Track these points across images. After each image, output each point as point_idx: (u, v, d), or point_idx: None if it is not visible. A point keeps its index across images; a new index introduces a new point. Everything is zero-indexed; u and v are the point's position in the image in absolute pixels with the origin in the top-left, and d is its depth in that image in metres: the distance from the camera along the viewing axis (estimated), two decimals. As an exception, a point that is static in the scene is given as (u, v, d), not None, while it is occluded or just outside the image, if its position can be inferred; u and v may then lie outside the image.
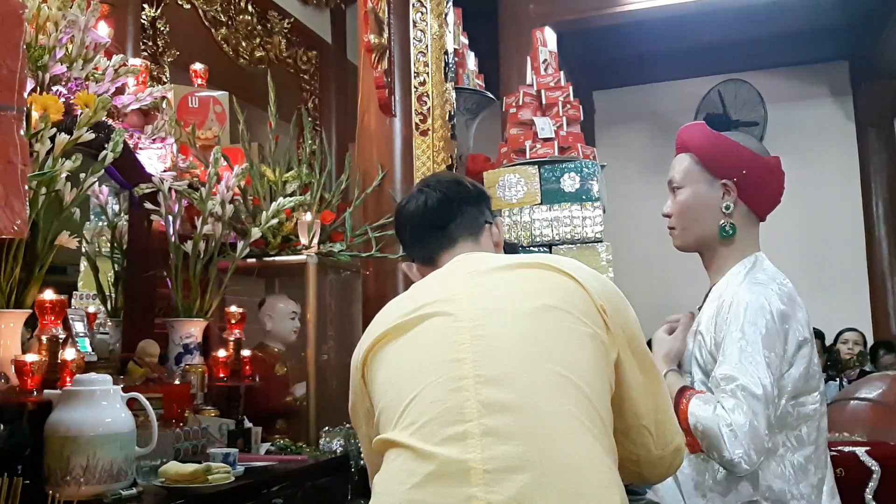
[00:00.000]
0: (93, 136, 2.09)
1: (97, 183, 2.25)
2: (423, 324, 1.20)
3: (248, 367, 2.62)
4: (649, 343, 1.43)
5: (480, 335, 1.15)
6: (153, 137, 2.56)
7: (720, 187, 1.68)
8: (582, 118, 3.72)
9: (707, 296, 1.72)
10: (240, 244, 2.70)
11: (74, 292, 2.50)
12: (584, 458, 1.07)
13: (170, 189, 2.48)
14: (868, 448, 2.46)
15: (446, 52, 3.26)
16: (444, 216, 1.40)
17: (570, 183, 3.34)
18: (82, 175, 2.08)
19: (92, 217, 2.60)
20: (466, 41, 3.76)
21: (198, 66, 3.24)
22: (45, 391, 1.83)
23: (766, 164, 1.72)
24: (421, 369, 1.15)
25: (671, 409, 1.32)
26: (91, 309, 2.48)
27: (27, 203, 0.92)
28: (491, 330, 1.15)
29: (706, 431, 1.48)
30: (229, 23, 4.44)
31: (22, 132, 0.92)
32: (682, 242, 1.74)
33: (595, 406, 1.12)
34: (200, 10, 4.21)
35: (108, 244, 2.62)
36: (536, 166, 3.37)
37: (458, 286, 1.23)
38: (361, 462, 2.65)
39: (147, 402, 1.93)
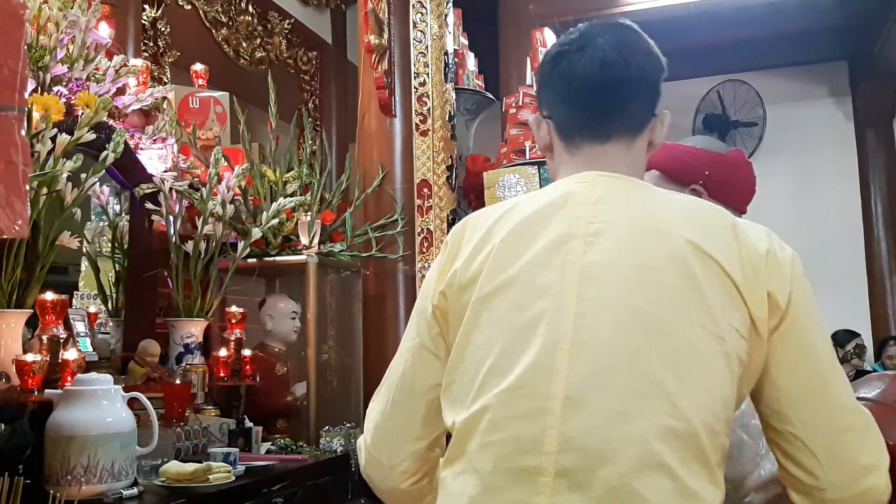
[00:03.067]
0: (94, 136, 2.10)
1: (98, 183, 2.26)
2: (530, 300, 0.99)
3: (248, 367, 2.63)
4: None
5: (582, 341, 0.96)
6: (154, 138, 2.56)
7: (690, 193, 1.72)
8: (582, 118, 3.72)
9: None
10: (240, 244, 2.71)
11: (75, 292, 2.50)
12: None
13: (171, 189, 2.49)
14: (867, 447, 2.46)
15: (446, 53, 3.27)
16: (610, 102, 1.07)
17: (569, 183, 3.34)
18: (83, 175, 2.09)
19: (93, 217, 2.60)
20: (466, 42, 3.76)
21: (198, 67, 3.24)
22: (47, 391, 1.83)
23: (727, 160, 1.74)
24: (513, 364, 0.98)
25: (857, 427, 1.00)
26: (92, 309, 2.48)
27: (28, 203, 0.92)
28: (594, 334, 0.96)
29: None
30: (230, 23, 4.44)
31: (23, 132, 0.92)
32: None
33: (705, 451, 0.93)
34: (201, 11, 4.21)
35: (109, 244, 2.62)
36: (536, 166, 3.37)
37: (574, 249, 1.00)
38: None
39: (148, 402, 1.94)
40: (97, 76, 2.29)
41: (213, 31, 4.31)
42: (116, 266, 2.61)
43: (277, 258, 2.95)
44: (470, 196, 3.54)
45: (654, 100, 1.11)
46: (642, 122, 1.10)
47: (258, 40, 4.68)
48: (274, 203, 2.79)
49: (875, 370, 5.48)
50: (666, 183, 1.73)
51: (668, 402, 0.93)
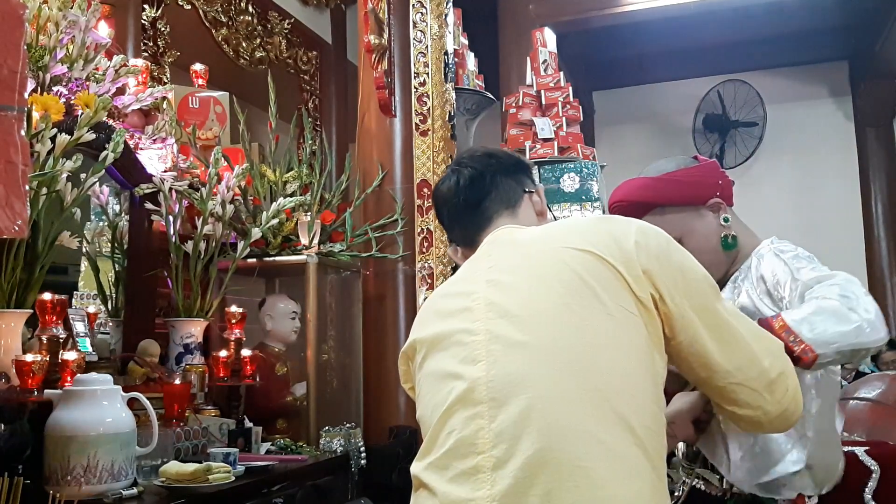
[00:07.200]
0: (93, 136, 2.10)
1: (98, 183, 2.25)
2: (451, 340, 1.17)
3: (248, 367, 2.63)
4: None
5: (493, 350, 1.11)
6: (154, 138, 2.56)
7: (710, 209, 1.66)
8: (582, 118, 3.73)
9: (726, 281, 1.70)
10: (240, 244, 2.71)
11: (75, 292, 2.50)
12: (597, 481, 1.02)
13: (170, 189, 2.49)
14: (867, 448, 2.46)
15: (446, 53, 3.26)
16: (478, 193, 1.33)
17: (569, 183, 3.34)
18: (83, 175, 2.09)
19: (92, 217, 2.60)
20: (466, 42, 3.76)
21: (198, 67, 3.24)
22: (46, 391, 1.83)
23: (713, 164, 1.72)
24: (450, 393, 1.13)
25: (771, 349, 1.19)
26: (92, 309, 2.48)
27: (28, 203, 0.92)
28: (502, 343, 1.11)
29: (819, 314, 1.35)
30: (230, 23, 4.44)
31: (23, 132, 0.92)
32: (717, 277, 1.71)
33: (622, 414, 1.06)
34: (201, 11, 4.21)
35: (109, 244, 2.62)
36: (536, 166, 3.37)
37: (479, 287, 1.19)
38: (362, 462, 2.66)
39: (148, 402, 1.94)
40: (97, 76, 2.29)
41: (213, 30, 4.31)
42: (116, 266, 2.61)
43: (277, 258, 2.95)
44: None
45: (518, 183, 1.36)
46: (515, 199, 1.34)
47: (258, 40, 4.68)
48: (274, 203, 2.79)
49: (873, 371, 5.47)
50: (675, 212, 1.65)
51: (579, 376, 1.07)
